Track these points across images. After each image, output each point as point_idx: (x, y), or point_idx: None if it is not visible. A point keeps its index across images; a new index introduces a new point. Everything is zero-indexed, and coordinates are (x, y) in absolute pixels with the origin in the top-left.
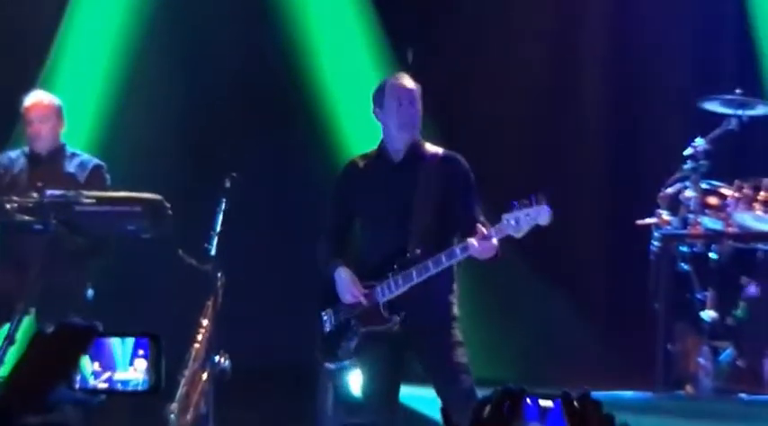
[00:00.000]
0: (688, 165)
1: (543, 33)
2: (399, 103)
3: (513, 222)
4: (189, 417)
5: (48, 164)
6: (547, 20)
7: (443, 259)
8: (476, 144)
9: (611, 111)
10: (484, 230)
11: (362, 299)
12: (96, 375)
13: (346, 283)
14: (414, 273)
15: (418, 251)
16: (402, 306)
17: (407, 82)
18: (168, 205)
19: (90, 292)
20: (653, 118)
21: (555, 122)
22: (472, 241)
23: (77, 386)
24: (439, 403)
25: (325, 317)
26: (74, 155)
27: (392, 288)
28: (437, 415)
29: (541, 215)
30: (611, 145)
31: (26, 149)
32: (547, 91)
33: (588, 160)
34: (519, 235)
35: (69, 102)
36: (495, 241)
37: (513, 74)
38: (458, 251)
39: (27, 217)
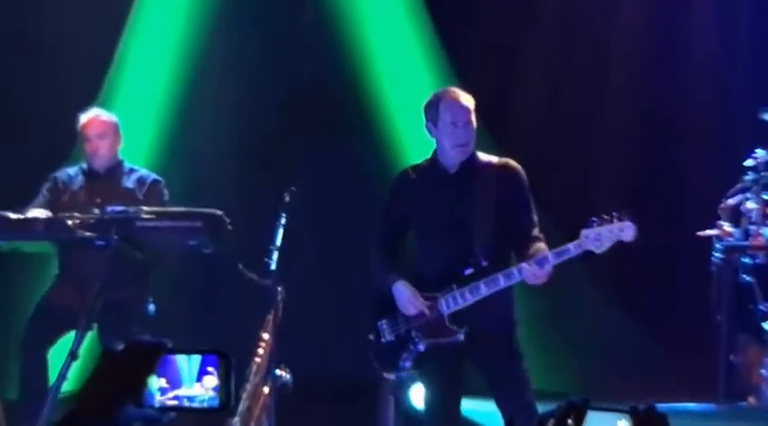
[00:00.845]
0: (749, 176)
1: (599, 40)
2: (455, 125)
3: (594, 238)
4: None
5: (106, 180)
6: (603, 26)
7: (515, 274)
8: (528, 151)
9: (671, 122)
10: (541, 250)
11: (426, 312)
12: (163, 391)
13: (408, 296)
14: (482, 286)
15: (485, 263)
16: (466, 319)
17: (463, 100)
18: (228, 220)
19: (152, 307)
20: (714, 128)
21: (614, 132)
22: (549, 255)
23: (146, 403)
24: (499, 415)
25: (382, 327)
26: (132, 170)
27: (458, 301)
28: None
29: (626, 231)
30: (671, 155)
31: (84, 166)
32: (605, 99)
33: (649, 170)
34: (600, 250)
35: (129, 118)
36: (549, 268)
37: (568, 80)
38: (527, 266)
39: (89, 234)
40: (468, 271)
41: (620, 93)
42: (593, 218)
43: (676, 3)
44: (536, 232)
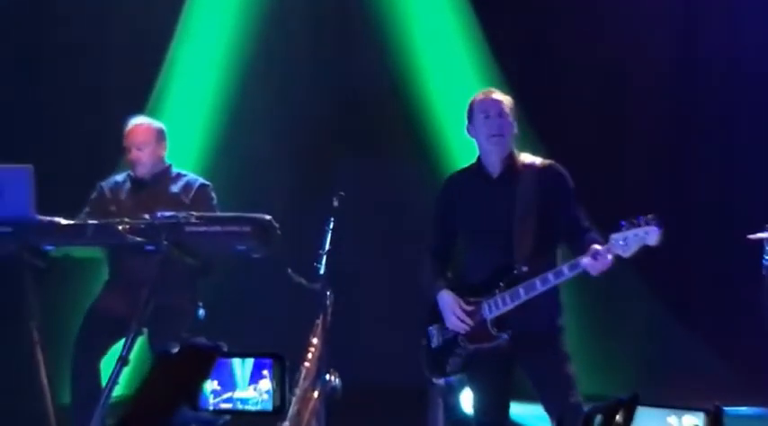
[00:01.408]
0: None
1: (652, 44)
2: (486, 115)
3: (621, 242)
4: None
5: (152, 186)
6: (658, 26)
7: (551, 278)
8: (575, 151)
9: (723, 122)
10: (598, 247)
11: (467, 325)
12: (217, 394)
13: (449, 306)
14: (521, 291)
15: (525, 268)
16: (510, 323)
17: (495, 94)
18: (277, 225)
19: (201, 312)
20: (766, 129)
21: (664, 132)
22: (584, 260)
23: (200, 406)
24: (548, 419)
25: (432, 333)
26: (179, 175)
27: (499, 306)
28: None
29: (651, 235)
30: (722, 157)
31: (131, 173)
32: (656, 98)
33: (698, 172)
34: (627, 254)
35: (179, 123)
36: (610, 257)
37: (619, 81)
38: (566, 270)
39: (138, 239)
40: (509, 276)
41: (670, 90)
42: (622, 221)
43: None
44: (587, 224)
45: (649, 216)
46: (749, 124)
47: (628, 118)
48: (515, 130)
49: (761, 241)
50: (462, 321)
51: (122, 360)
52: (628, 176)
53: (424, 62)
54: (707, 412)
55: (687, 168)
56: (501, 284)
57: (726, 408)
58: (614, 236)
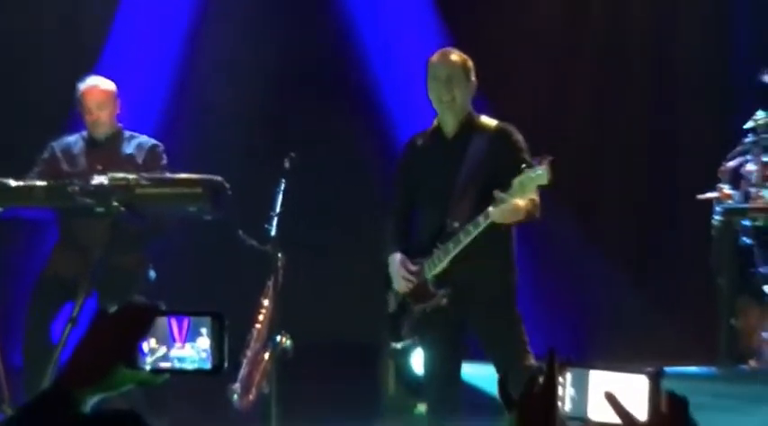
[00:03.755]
0: (749, 139)
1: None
2: (436, 80)
3: (518, 186)
4: (251, 397)
5: (106, 147)
6: None
7: (471, 228)
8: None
9: (671, 85)
10: (500, 194)
11: (408, 285)
12: (154, 353)
13: (395, 269)
14: (450, 245)
15: (456, 224)
16: (451, 281)
17: (449, 56)
18: (228, 186)
19: (152, 274)
20: (714, 91)
21: (615, 95)
22: (491, 209)
23: (138, 364)
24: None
25: (389, 298)
26: (132, 137)
27: (436, 264)
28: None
29: (541, 177)
30: (671, 118)
31: (84, 134)
32: (608, 63)
33: (648, 135)
34: (525, 197)
35: (132, 85)
36: (518, 202)
37: (573, 48)
38: (480, 219)
39: (89, 200)
40: (443, 234)
41: (621, 56)
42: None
43: None
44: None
45: (541, 157)
46: (699, 85)
47: (578, 79)
48: (470, 92)
49: (710, 201)
50: (405, 282)
51: (72, 322)
52: (573, 140)
53: (378, 24)
54: (648, 374)
55: (636, 128)
56: (437, 243)
57: (673, 367)
58: (515, 180)
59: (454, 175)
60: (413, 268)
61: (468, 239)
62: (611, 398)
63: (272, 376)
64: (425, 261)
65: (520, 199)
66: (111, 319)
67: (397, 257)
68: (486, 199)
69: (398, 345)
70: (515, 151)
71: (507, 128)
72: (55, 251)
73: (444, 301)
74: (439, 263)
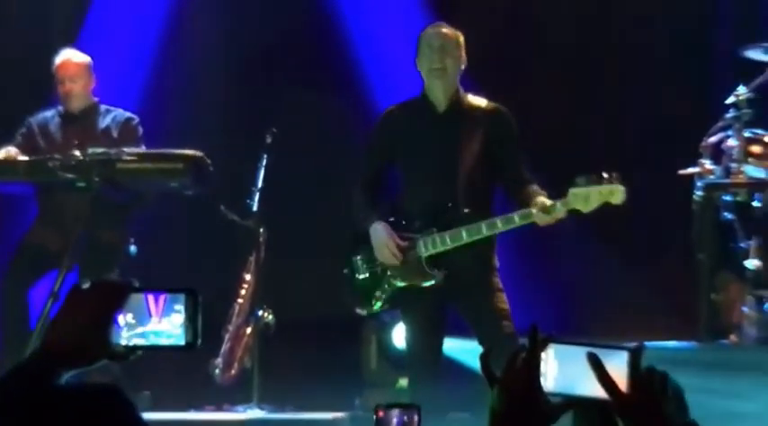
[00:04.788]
0: (730, 114)
1: None
2: (430, 48)
3: (582, 197)
4: (233, 372)
5: (82, 121)
6: None
7: (499, 224)
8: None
9: (651, 60)
10: (546, 202)
11: (394, 259)
12: (130, 328)
13: (383, 239)
14: (464, 233)
15: (466, 210)
16: (445, 262)
17: (442, 28)
18: (209, 161)
19: (133, 248)
20: (694, 66)
21: (594, 72)
22: (536, 211)
23: (112, 340)
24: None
25: (358, 264)
26: (108, 110)
27: (437, 245)
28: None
29: (615, 195)
30: (652, 94)
31: (60, 108)
32: (582, 35)
33: (629, 109)
34: (587, 210)
35: (110, 59)
36: (561, 214)
37: (549, 18)
38: (516, 218)
39: (69, 175)
40: (450, 215)
41: (597, 28)
42: (581, 177)
43: None
44: (528, 175)
45: (613, 174)
46: (680, 58)
47: (555, 53)
48: (462, 67)
49: (691, 176)
50: (395, 255)
51: (53, 296)
52: (556, 119)
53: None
54: (629, 351)
55: (617, 104)
56: (439, 223)
57: (656, 342)
58: (574, 191)
59: (453, 154)
60: (403, 243)
61: (491, 233)
62: (593, 360)
63: (254, 350)
64: (421, 239)
65: (566, 208)
66: (84, 294)
67: (381, 227)
68: (485, 185)
69: (364, 312)
70: (512, 136)
71: (506, 113)
72: (36, 222)
73: (438, 281)
74: (441, 245)
